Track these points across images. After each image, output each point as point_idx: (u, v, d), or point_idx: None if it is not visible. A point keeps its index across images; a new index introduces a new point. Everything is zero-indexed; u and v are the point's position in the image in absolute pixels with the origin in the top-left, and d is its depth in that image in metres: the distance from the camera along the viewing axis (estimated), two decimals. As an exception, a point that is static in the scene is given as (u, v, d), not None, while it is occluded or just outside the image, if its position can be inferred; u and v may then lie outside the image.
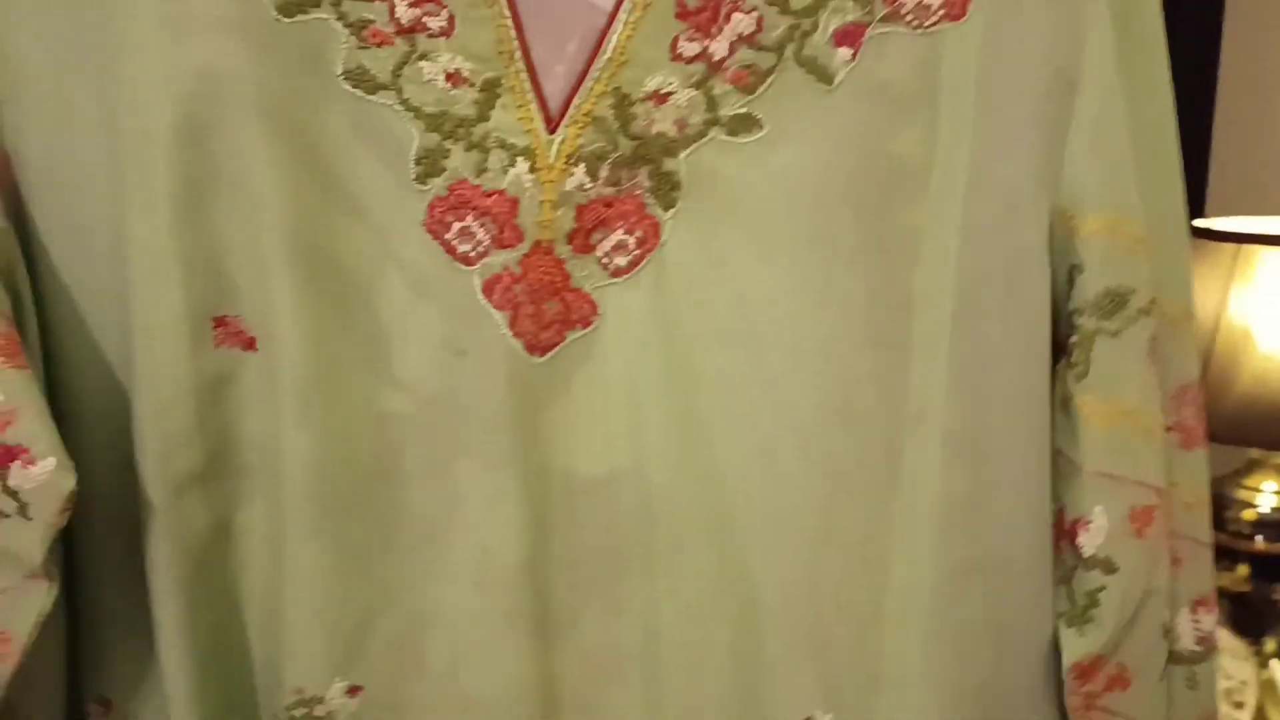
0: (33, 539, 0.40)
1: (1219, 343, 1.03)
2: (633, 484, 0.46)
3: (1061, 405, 0.47)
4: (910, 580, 0.47)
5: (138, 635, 0.45)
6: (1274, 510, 1.15)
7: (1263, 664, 1.14)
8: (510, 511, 0.45)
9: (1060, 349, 0.47)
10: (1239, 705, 1.15)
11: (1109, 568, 0.46)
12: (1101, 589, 0.46)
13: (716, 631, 0.47)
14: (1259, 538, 1.09)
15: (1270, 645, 1.09)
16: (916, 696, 0.47)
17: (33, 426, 0.40)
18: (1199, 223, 1.11)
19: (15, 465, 0.40)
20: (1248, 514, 1.09)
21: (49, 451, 0.40)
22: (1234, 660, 1.15)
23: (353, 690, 0.45)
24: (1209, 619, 0.53)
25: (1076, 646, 0.47)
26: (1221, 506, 1.07)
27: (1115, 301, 0.45)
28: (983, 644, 0.47)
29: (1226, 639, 1.17)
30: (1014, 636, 0.48)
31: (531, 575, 0.46)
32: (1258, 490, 1.13)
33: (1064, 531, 0.47)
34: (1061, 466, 0.47)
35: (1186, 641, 0.52)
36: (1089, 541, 0.46)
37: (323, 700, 0.45)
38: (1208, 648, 0.53)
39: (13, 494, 0.40)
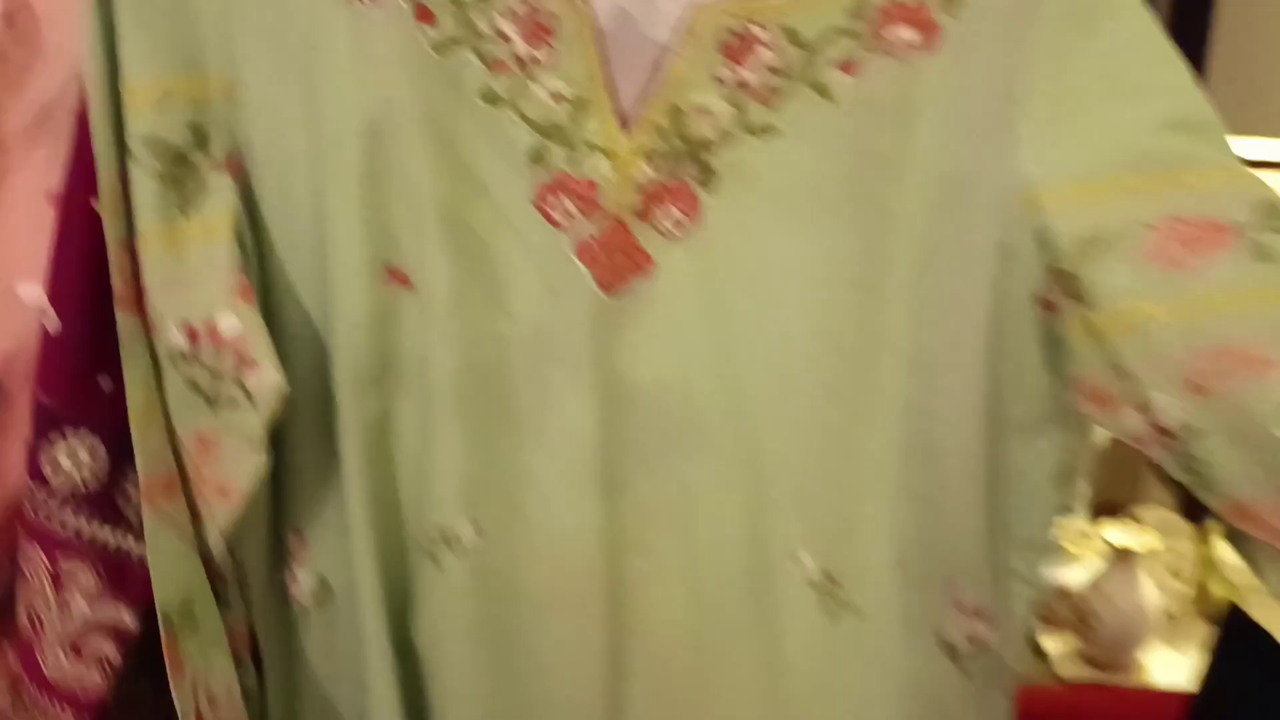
0: (257, 423, 0.58)
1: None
2: (678, 387, 0.62)
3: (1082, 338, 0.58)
4: (875, 456, 0.63)
5: (324, 487, 0.63)
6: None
7: (1205, 541, 1.32)
8: (589, 403, 0.62)
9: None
10: (1177, 575, 1.34)
11: (1195, 433, 0.54)
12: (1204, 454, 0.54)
13: (733, 492, 0.64)
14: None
15: (1215, 524, 1.23)
16: (874, 544, 0.63)
17: (259, 345, 0.57)
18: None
19: (248, 371, 0.57)
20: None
21: (269, 364, 0.57)
22: (1176, 538, 1.34)
23: (476, 527, 0.63)
24: None
25: (1213, 504, 0.56)
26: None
27: (1093, 241, 0.56)
28: (925, 506, 0.63)
29: (1170, 519, 1.36)
30: (953, 506, 0.63)
31: (603, 450, 0.63)
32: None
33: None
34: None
35: None
36: (1169, 420, 0.55)
37: (453, 530, 0.63)
38: None
39: (247, 393, 0.57)
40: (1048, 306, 0.60)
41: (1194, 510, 1.29)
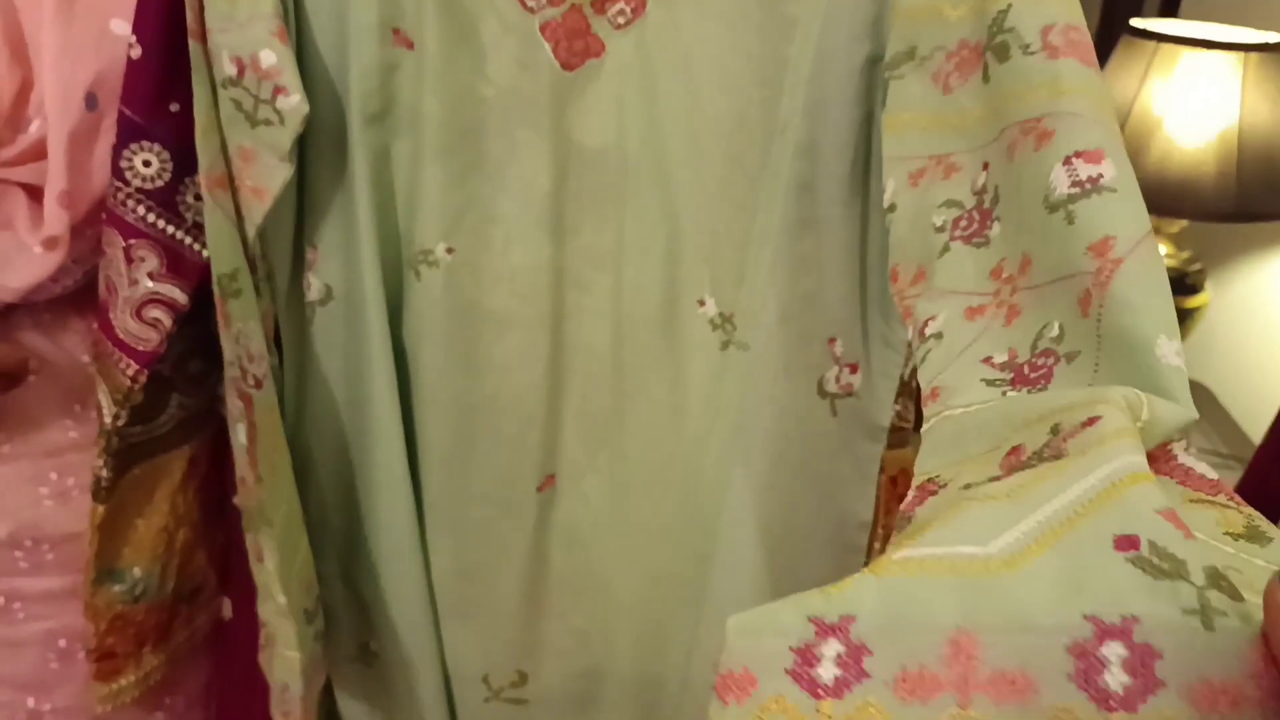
0: (285, 137, 0.73)
1: (1130, 127, 1.29)
2: (616, 152, 0.78)
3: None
4: (768, 222, 0.75)
5: (335, 213, 0.80)
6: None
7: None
8: (546, 159, 0.78)
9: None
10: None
11: (894, 207, 0.69)
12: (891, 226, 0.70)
13: (656, 243, 0.79)
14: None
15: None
16: (760, 292, 0.78)
17: (290, 76, 0.72)
18: (1134, 22, 1.35)
19: (280, 96, 0.73)
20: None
21: (296, 91, 0.72)
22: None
23: (449, 250, 0.81)
24: (1089, 166, 0.55)
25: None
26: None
27: (906, 55, 0.70)
28: (807, 268, 0.77)
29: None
30: (832, 270, 0.79)
31: (554, 200, 0.79)
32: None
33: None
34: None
35: (1061, 189, 0.56)
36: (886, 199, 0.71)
37: (433, 252, 0.80)
38: (1086, 189, 0.55)
39: (278, 113, 0.73)
40: None
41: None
